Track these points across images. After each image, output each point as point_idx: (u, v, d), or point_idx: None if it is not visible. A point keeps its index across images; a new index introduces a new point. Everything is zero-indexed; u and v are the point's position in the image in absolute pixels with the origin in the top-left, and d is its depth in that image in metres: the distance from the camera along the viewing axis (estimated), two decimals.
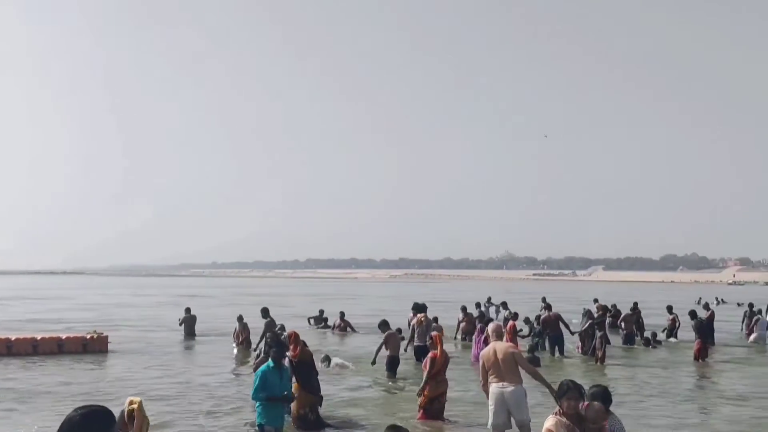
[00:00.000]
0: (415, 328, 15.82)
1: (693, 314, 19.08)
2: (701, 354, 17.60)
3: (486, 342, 11.50)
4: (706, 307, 22.71)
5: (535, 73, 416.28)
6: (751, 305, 24.47)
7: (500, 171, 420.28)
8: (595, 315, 19.75)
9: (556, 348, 18.13)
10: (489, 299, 27.30)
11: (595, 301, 27.58)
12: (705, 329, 18.55)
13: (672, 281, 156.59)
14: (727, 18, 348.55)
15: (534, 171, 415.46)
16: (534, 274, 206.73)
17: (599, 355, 16.66)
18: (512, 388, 8.25)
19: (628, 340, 20.89)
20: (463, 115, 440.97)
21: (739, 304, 41.66)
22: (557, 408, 5.61)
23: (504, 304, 24.02)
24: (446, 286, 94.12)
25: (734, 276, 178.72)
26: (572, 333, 18.91)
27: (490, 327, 9.25)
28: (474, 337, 17.61)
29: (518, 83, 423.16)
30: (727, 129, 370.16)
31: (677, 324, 22.39)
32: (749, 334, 23.10)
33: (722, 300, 51.00)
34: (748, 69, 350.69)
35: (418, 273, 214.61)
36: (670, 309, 22.95)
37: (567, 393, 5.52)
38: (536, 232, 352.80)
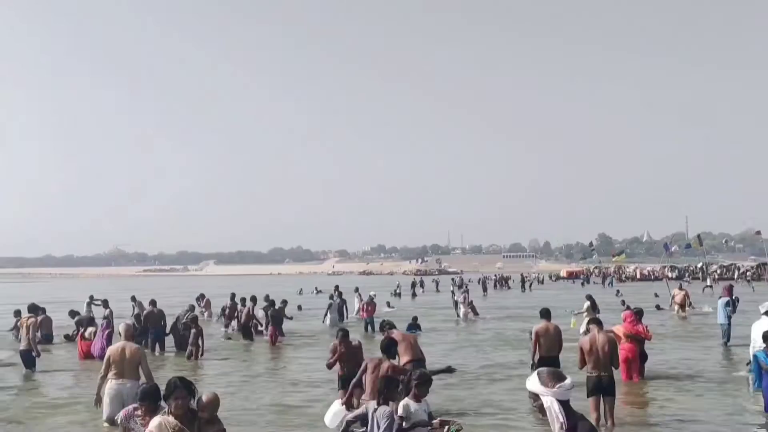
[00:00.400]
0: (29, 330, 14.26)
1: (272, 303, 20.45)
2: (274, 339, 19.17)
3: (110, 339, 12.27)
4: (267, 301, 23.12)
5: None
6: (336, 287, 27.15)
7: (101, 169, 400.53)
8: (203, 311, 20.10)
9: (158, 345, 17.87)
10: (91, 297, 26.01)
11: (202, 297, 27.82)
12: (279, 318, 19.99)
13: (279, 273, 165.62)
14: None
15: (134, 169, 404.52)
16: (145, 270, 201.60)
17: (194, 352, 16.67)
18: (130, 384, 8.59)
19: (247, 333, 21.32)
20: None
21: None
22: (166, 407, 5.34)
23: (105, 303, 23.02)
24: (46, 286, 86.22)
25: (333, 267, 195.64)
26: (167, 333, 18.68)
27: (122, 327, 9.53)
28: (99, 332, 16.88)
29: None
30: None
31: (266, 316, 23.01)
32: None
33: (320, 290, 54.79)
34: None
35: (14, 273, 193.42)
36: (243, 301, 23.06)
37: (174, 392, 5.26)
38: (148, 228, 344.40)
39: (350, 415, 6.01)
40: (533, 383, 3.81)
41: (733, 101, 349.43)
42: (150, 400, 5.66)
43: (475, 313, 28.20)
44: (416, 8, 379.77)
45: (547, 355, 11.88)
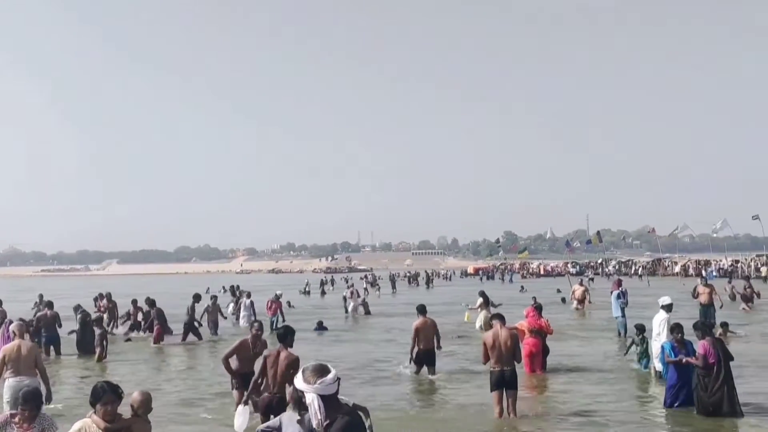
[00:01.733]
0: None
1: (153, 303, 20.21)
2: (158, 339, 18.97)
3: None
4: (148, 303, 22.25)
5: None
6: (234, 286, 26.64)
7: None
8: (102, 311, 19.57)
9: (52, 348, 17.04)
10: None
11: (101, 296, 26.88)
12: (163, 317, 19.72)
13: (186, 272, 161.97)
14: None
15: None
16: (42, 270, 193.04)
17: (99, 353, 16.22)
18: (29, 380, 8.63)
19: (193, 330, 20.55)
20: None
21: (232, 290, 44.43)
22: (91, 412, 5.02)
23: None
24: None
25: (242, 265, 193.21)
26: (69, 333, 17.94)
27: (14, 326, 9.90)
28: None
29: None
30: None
31: (151, 316, 21.25)
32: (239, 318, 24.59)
33: (228, 289, 53.79)
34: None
35: None
36: (135, 302, 22.41)
37: (103, 397, 4.95)
38: (45, 225, 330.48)
39: (262, 426, 5.81)
40: (298, 381, 3.84)
41: (628, 105, 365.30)
42: (34, 404, 5.37)
43: (367, 312, 28.33)
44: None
45: (425, 347, 12.80)
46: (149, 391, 5.68)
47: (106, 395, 4.95)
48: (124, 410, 5.27)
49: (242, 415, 7.91)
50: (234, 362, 9.62)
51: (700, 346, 9.41)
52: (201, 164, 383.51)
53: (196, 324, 20.27)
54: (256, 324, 10.09)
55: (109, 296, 22.39)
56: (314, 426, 3.76)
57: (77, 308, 18.93)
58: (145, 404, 5.48)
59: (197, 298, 21.09)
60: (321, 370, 3.80)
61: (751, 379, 12.00)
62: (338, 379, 3.84)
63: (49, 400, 8.45)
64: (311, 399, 3.74)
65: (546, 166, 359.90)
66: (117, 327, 21.48)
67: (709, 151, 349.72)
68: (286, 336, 8.05)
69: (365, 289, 42.81)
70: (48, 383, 8.70)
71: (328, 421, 3.73)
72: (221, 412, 10.44)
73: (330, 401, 3.77)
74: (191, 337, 19.87)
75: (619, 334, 18.14)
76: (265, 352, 8.27)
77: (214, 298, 22.39)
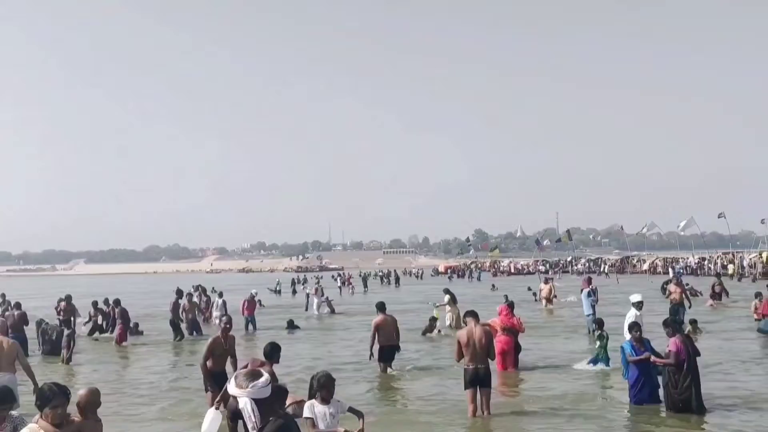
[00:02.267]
0: None
1: (117, 302, 20.15)
2: (121, 339, 18.94)
3: None
4: (107, 305, 22.01)
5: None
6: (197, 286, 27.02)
7: None
8: (60, 314, 19.54)
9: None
10: None
11: (67, 298, 26.56)
12: (126, 317, 19.62)
13: (155, 272, 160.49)
14: None
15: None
16: (8, 270, 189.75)
17: (65, 355, 15.92)
18: (8, 376, 8.87)
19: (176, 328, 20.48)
20: None
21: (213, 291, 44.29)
22: (37, 416, 4.81)
23: None
24: None
25: (212, 264, 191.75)
26: (41, 346, 17.69)
27: None
28: None
29: None
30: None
31: (111, 316, 21.57)
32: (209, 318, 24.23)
33: (197, 287, 53.33)
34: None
35: None
36: (95, 304, 22.55)
37: (53, 400, 4.73)
38: (11, 225, 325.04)
39: None
40: (231, 387, 3.86)
41: (598, 109, 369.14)
42: (6, 404, 5.23)
43: (332, 311, 28.32)
44: None
45: (387, 343, 12.89)
46: (98, 388, 5.45)
47: (55, 398, 4.74)
48: (72, 409, 5.09)
49: (211, 415, 7.81)
50: (209, 362, 9.44)
51: (671, 343, 9.48)
52: (171, 163, 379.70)
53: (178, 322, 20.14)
54: (224, 318, 9.90)
55: (68, 299, 22.11)
56: (250, 430, 3.76)
57: (40, 323, 18.54)
58: (92, 401, 5.22)
59: (180, 293, 20.76)
60: (253, 375, 3.85)
61: (727, 376, 12.24)
62: (270, 382, 3.85)
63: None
64: (244, 403, 3.75)
65: (516, 166, 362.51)
66: (75, 332, 21.26)
67: (676, 151, 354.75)
68: (273, 354, 7.95)
69: (339, 287, 42.74)
70: (34, 378, 8.60)
71: (261, 424, 3.74)
72: (183, 410, 10.43)
73: (264, 405, 3.77)
74: (170, 335, 19.79)
75: (590, 331, 18.32)
76: (249, 359, 8.16)
77: (190, 296, 22.22)
